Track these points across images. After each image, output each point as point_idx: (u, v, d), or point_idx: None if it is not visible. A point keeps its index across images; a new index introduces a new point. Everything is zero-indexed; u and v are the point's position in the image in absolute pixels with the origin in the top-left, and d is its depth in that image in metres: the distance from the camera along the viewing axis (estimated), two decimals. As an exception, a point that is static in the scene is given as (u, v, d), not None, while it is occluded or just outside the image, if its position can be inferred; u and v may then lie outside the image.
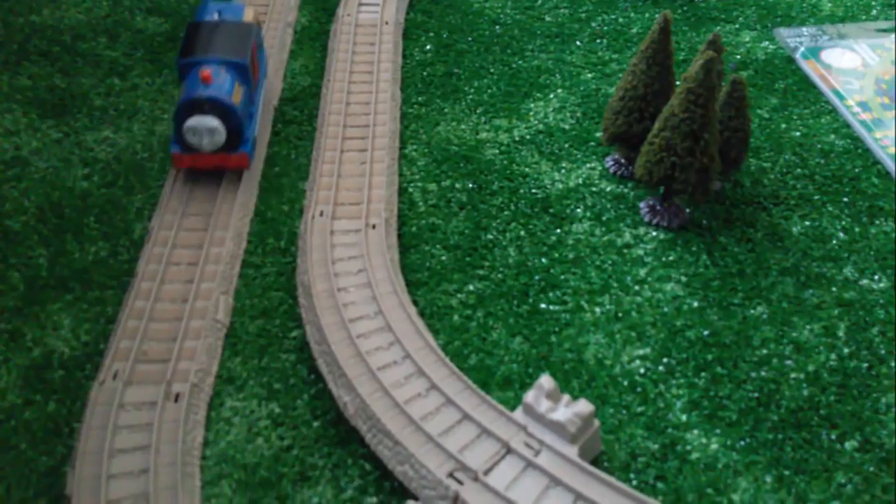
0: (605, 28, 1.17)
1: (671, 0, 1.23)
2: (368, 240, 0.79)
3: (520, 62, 1.11)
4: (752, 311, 0.77)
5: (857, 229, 0.85)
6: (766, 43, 1.14)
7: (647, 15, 1.20)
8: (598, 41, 1.15)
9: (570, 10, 1.21)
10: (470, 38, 1.15)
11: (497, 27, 1.18)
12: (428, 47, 1.14)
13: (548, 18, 1.20)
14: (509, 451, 0.59)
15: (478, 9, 1.22)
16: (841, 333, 0.75)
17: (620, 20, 1.19)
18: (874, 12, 1.21)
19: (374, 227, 0.81)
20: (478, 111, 1.02)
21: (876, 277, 0.80)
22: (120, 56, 1.09)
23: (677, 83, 0.86)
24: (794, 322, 0.76)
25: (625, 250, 0.83)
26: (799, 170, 0.93)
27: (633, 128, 0.87)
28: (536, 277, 0.80)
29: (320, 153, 0.92)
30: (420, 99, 1.04)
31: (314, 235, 0.80)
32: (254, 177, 0.89)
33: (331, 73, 1.05)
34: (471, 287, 0.79)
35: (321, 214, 0.83)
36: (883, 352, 0.73)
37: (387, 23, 1.14)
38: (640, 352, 0.73)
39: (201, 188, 0.87)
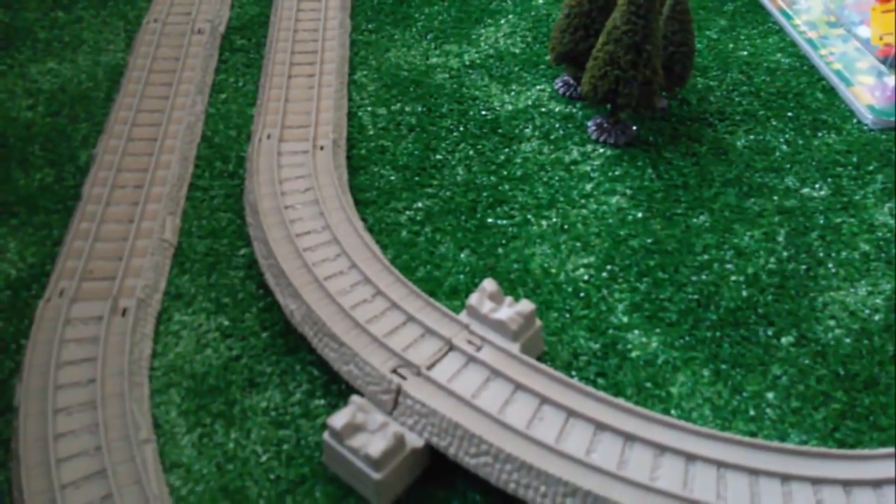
0: (557, -45, 1.16)
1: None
2: (316, 161, 0.79)
3: (472, -12, 1.10)
4: (695, 220, 0.78)
5: (800, 142, 0.87)
6: (717, -34, 1.14)
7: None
8: (551, -33, 1.14)
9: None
10: (421, -33, 1.14)
11: (448, -44, 1.17)
12: (378, -24, 1.13)
13: (499, -54, 1.19)
14: (452, 348, 0.60)
15: (430, -62, 1.21)
16: (781, 238, 0.76)
17: (572, -53, 1.18)
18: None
19: (321, 148, 0.81)
20: (428, 37, 1.02)
21: (817, 186, 0.82)
22: (63, -11, 1.07)
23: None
24: (735, 229, 0.77)
25: (572, 167, 0.84)
26: (745, 87, 0.94)
27: (579, 45, 0.87)
28: (485, 194, 0.81)
29: (268, 79, 0.91)
30: (370, 26, 1.03)
31: (261, 157, 0.80)
32: (199, 102, 0.89)
33: (279, 1, 1.04)
34: (419, 204, 0.79)
35: (268, 137, 0.82)
36: (821, 254, 0.75)
37: (336, -48, 1.13)
38: (585, 260, 0.74)
39: (147, 114, 0.86)
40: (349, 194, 0.78)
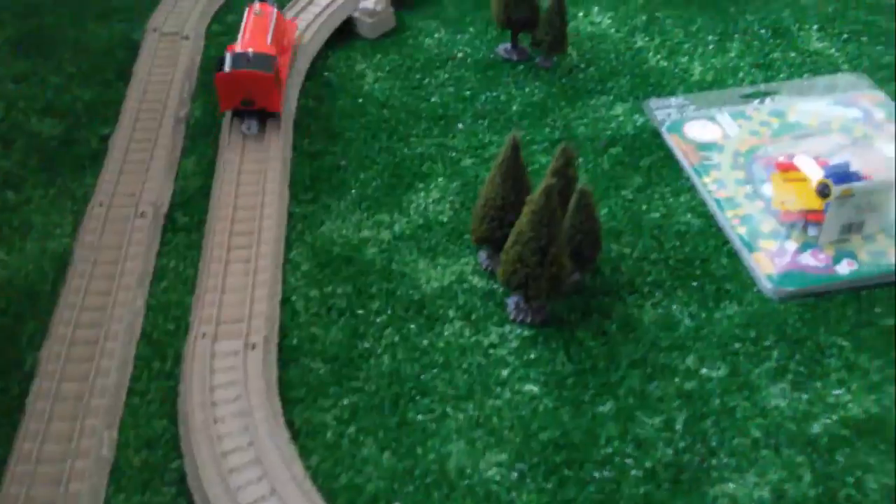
0: (488, 107, 1.23)
1: (551, 72, 1.29)
2: (247, 363, 0.85)
3: (405, 150, 1.16)
4: (601, 409, 0.84)
5: (703, 315, 0.93)
6: (637, 116, 1.21)
7: (527, 90, 1.26)
8: (480, 122, 1.21)
9: (455, 88, 1.27)
10: (358, 125, 1.21)
11: (385, 111, 1.24)
12: (317, 137, 1.19)
13: (433, 99, 1.25)
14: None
15: (367, 90, 1.27)
16: (679, 426, 0.82)
17: (502, 97, 1.25)
18: (741, 74, 1.29)
19: (253, 347, 0.87)
20: (362, 206, 1.08)
21: (716, 365, 0.88)
22: (14, 166, 1.12)
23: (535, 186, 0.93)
24: (637, 417, 0.83)
25: (490, 350, 0.90)
26: (655, 254, 1.00)
27: (495, 233, 0.93)
28: (408, 385, 0.86)
29: (206, 265, 0.97)
30: (307, 196, 1.09)
31: (195, 361, 0.85)
32: (140, 296, 0.94)
33: (220, 174, 1.10)
34: (345, 401, 0.85)
35: (203, 336, 0.88)
36: (715, 443, 0.81)
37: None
38: (498, 458, 0.80)
39: (89, 313, 0.91)
40: (277, 399, 0.84)
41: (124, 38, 1.37)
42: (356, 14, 1.37)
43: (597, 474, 0.78)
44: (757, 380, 0.86)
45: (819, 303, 0.93)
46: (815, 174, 0.96)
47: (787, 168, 1.00)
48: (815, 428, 0.82)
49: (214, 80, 1.11)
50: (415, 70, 1.31)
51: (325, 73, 1.30)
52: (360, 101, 1.25)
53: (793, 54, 1.32)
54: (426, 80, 1.29)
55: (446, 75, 1.30)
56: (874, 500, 0.76)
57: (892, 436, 0.80)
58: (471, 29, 1.40)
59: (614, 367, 0.88)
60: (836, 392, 0.85)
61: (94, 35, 1.38)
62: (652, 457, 0.79)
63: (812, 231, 0.97)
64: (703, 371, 0.87)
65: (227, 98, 1.12)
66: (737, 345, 0.89)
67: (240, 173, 1.10)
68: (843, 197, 0.94)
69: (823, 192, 0.94)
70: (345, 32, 1.38)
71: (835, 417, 0.82)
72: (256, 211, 1.04)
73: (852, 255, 0.97)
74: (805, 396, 0.84)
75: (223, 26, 1.41)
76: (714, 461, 0.79)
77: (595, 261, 0.94)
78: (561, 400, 0.85)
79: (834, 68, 1.29)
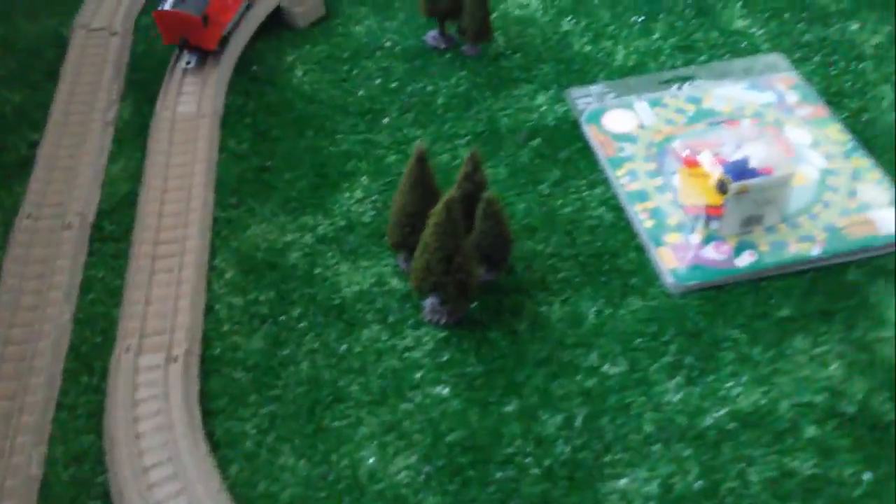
0: (414, 100, 1.25)
1: (478, 60, 1.31)
2: (169, 377, 0.89)
3: (331, 147, 1.19)
4: (506, 409, 0.89)
5: (608, 311, 0.98)
6: (559, 106, 1.24)
7: (453, 80, 1.28)
8: (406, 115, 1.23)
9: (383, 80, 1.29)
10: (285, 122, 1.22)
11: (312, 106, 1.25)
12: (244, 136, 1.21)
13: (361, 92, 1.27)
14: None
15: (296, 84, 1.29)
16: (578, 423, 0.88)
17: (429, 89, 1.27)
18: (663, 58, 1.31)
19: (175, 359, 0.91)
20: (287, 208, 1.11)
21: (616, 361, 0.93)
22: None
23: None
24: (539, 416, 0.88)
25: (405, 354, 0.94)
26: (567, 250, 1.04)
27: (408, 239, 0.97)
28: (325, 392, 0.91)
29: (133, 276, 1.00)
30: (233, 200, 1.12)
31: (120, 376, 0.89)
32: (67, 311, 0.97)
33: (147, 180, 1.12)
34: (265, 410, 0.89)
35: (128, 350, 0.92)
36: (610, 438, 0.86)
37: (204, 116, 1.21)
38: (408, 461, 0.85)
39: (18, 330, 0.94)
40: (198, 411, 0.88)
41: (53, 36, 1.37)
42: (284, 4, 1.37)
43: (499, 474, 0.84)
44: (654, 375, 0.91)
45: (719, 295, 0.98)
46: (715, 171, 0.99)
47: (692, 164, 1.03)
48: (707, 421, 0.87)
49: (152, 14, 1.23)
50: (343, 61, 1.32)
51: (254, 67, 1.32)
52: (289, 95, 1.27)
53: (714, 34, 1.34)
54: (354, 72, 1.31)
55: (374, 66, 1.31)
56: (755, 492, 0.81)
57: (777, 428, 0.86)
58: (400, 15, 1.40)
59: (521, 367, 0.92)
60: (728, 385, 0.90)
61: (23, 33, 1.38)
62: (550, 455, 0.85)
63: (714, 225, 1.02)
64: (605, 368, 0.92)
65: (167, 34, 1.26)
66: (638, 340, 0.94)
67: (166, 179, 1.12)
68: (740, 193, 0.98)
69: (722, 188, 0.98)
70: (275, 21, 1.38)
71: (724, 411, 0.88)
72: (182, 218, 1.07)
73: (753, 247, 1.01)
74: (698, 390, 0.89)
75: (152, 18, 1.41)
76: (608, 457, 0.85)
77: (506, 262, 0.98)
78: (470, 401, 0.90)
79: (754, 48, 1.31)
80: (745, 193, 0.98)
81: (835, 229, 1.03)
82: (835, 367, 0.91)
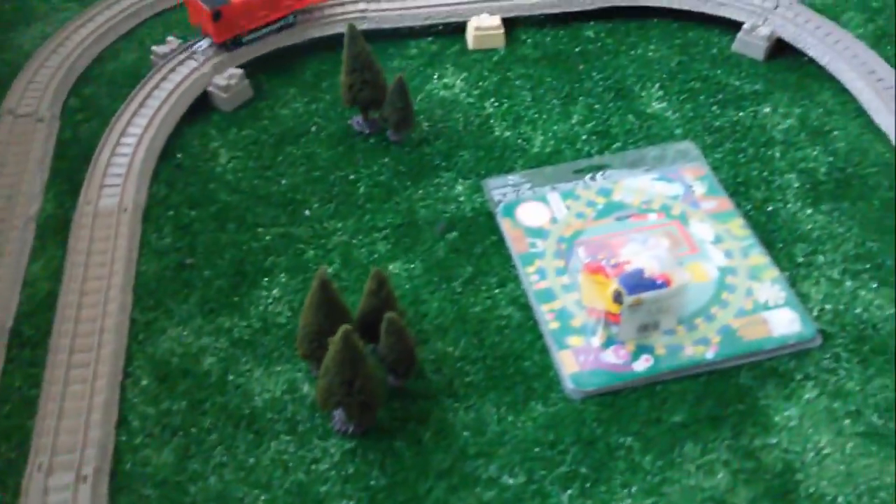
0: (335, 189, 1.28)
1: (401, 146, 1.34)
2: (78, 498, 0.91)
3: (252, 242, 1.21)
4: (406, 525, 0.92)
5: (510, 418, 1.01)
6: (476, 196, 1.27)
7: (375, 168, 1.31)
8: (328, 206, 1.26)
9: (307, 167, 1.31)
10: (207, 215, 1.25)
11: (235, 196, 1.28)
12: (166, 230, 1.23)
13: (284, 181, 1.30)
14: None
15: (219, 173, 1.31)
16: (473, 540, 0.91)
17: (351, 177, 1.30)
18: (579, 144, 1.35)
19: (85, 479, 0.93)
20: (204, 309, 1.13)
21: (515, 471, 0.97)
22: None
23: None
24: (437, 533, 0.92)
25: (312, 466, 0.97)
26: (475, 352, 1.08)
27: (315, 352, 1.00)
28: (232, 511, 0.94)
29: (48, 386, 1.02)
30: (150, 302, 1.14)
31: (29, 497, 0.91)
32: (-19, 427, 0.99)
33: (66, 281, 1.14)
34: (171, 531, 0.92)
35: (39, 469, 0.94)
36: (504, 555, 0.90)
37: (125, 209, 1.22)
38: (307, 582, 0.88)
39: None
40: (104, 536, 0.90)
41: (-21, 122, 1.37)
42: (211, 89, 1.40)
43: None
44: (549, 486, 0.95)
45: (616, 400, 1.03)
46: (613, 281, 1.04)
47: (595, 270, 1.08)
48: (596, 533, 0.92)
49: None
50: (268, 147, 1.35)
51: (178, 155, 1.34)
52: (212, 185, 1.29)
53: (630, 117, 1.38)
54: (279, 158, 1.33)
55: (299, 152, 1.34)
56: None
57: (661, 539, 0.90)
58: (327, 97, 1.43)
59: (423, 479, 0.96)
60: (619, 495, 0.94)
61: (-51, 118, 1.38)
62: (445, 573, 0.88)
63: (614, 329, 1.06)
64: (503, 479, 0.96)
65: (191, 16, 1.42)
66: (536, 449, 0.98)
67: (84, 280, 1.14)
68: (634, 305, 1.02)
69: (618, 299, 1.02)
70: (202, 104, 1.41)
71: (613, 523, 0.92)
72: (98, 323, 1.08)
73: (650, 351, 1.06)
74: (590, 503, 0.94)
75: (80, 100, 1.43)
76: (500, 574, 0.88)
77: (411, 374, 1.02)
78: (371, 517, 0.93)
79: (668, 133, 1.36)
80: (639, 304, 1.02)
81: (730, 331, 1.08)
82: (721, 476, 0.95)
